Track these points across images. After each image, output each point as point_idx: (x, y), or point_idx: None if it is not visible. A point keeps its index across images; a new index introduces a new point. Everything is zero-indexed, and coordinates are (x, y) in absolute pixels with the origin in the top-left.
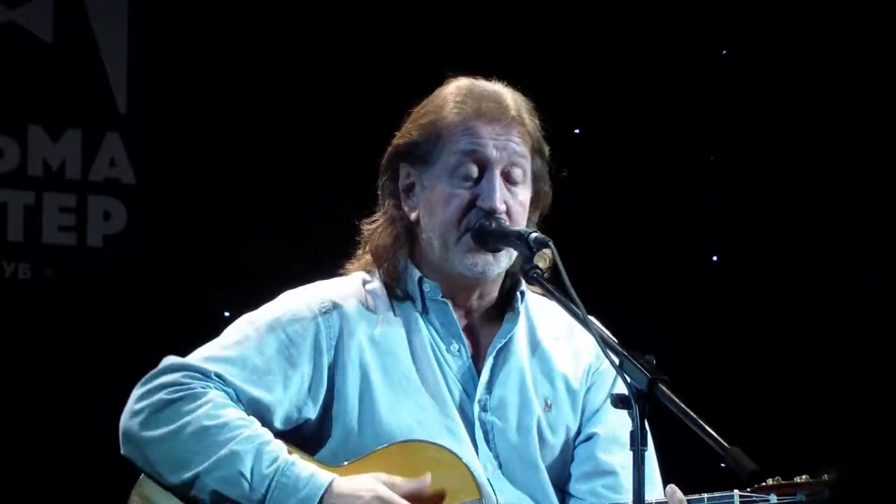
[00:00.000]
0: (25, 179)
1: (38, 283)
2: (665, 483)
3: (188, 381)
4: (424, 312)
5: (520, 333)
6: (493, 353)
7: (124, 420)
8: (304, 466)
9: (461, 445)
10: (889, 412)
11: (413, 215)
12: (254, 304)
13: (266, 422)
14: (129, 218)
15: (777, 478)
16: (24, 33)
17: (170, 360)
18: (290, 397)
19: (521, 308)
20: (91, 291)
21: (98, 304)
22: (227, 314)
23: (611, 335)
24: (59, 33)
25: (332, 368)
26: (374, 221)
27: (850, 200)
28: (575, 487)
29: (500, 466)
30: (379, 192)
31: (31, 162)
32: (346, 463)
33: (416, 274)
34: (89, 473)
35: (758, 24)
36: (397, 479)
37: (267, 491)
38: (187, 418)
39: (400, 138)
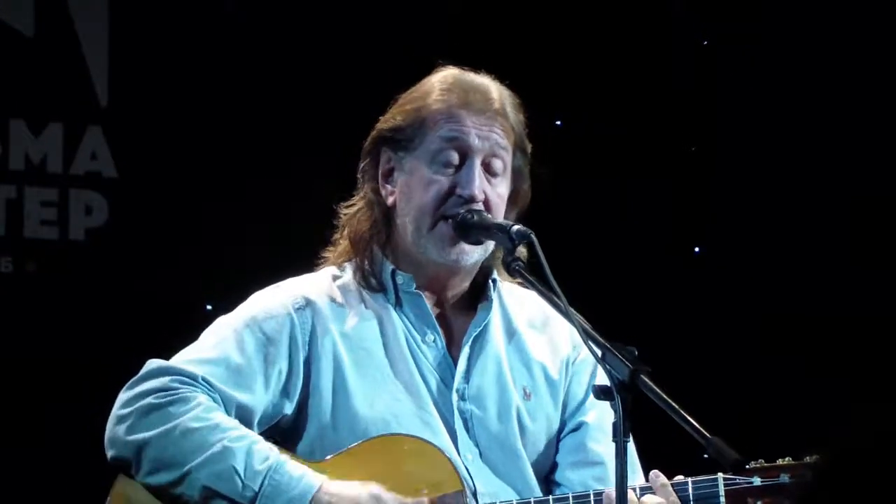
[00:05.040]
0: (7, 173)
1: (20, 277)
2: (646, 470)
3: (176, 385)
4: (398, 304)
5: (495, 322)
6: (469, 342)
7: (110, 426)
8: (295, 466)
9: (438, 437)
10: (876, 397)
11: (390, 200)
12: (236, 296)
13: (248, 423)
14: (111, 212)
15: (760, 461)
16: (4, 27)
17: (154, 363)
18: (269, 395)
19: (494, 296)
20: (73, 285)
21: (80, 298)
22: (209, 307)
23: (591, 327)
24: (40, 27)
25: (307, 364)
26: (351, 205)
27: (833, 190)
28: (563, 476)
29: (481, 455)
30: (359, 176)
31: (12, 156)
32: (327, 458)
33: (389, 267)
34: (71, 469)
35: (750, 16)
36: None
37: (259, 488)
38: (176, 421)
39: (383, 123)
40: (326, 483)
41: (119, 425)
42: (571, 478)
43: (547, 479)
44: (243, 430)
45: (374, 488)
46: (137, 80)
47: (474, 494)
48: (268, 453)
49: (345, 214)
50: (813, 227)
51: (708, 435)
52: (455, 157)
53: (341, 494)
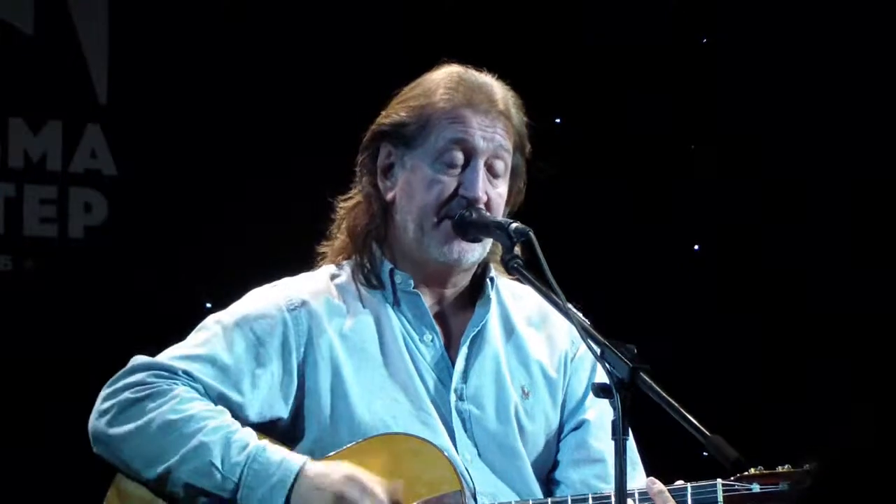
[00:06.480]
0: (6, 171)
1: (19, 275)
2: (647, 469)
3: (154, 379)
4: (395, 303)
5: (493, 320)
6: (467, 342)
7: (92, 420)
8: (274, 451)
9: (437, 437)
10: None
11: (389, 195)
12: (235, 295)
13: (238, 419)
14: (111, 209)
15: (759, 467)
16: (4, 25)
17: (137, 359)
18: (259, 396)
19: (493, 294)
20: (72, 283)
21: (79, 296)
22: (208, 305)
23: (590, 325)
24: (39, 25)
25: (302, 366)
26: (349, 199)
27: (834, 189)
28: (565, 475)
29: (479, 455)
30: (357, 170)
31: (11, 154)
32: (330, 455)
33: (388, 265)
34: (69, 468)
35: (750, 15)
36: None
37: (239, 479)
38: (152, 414)
39: (385, 118)
40: (307, 465)
41: (100, 419)
42: (573, 476)
43: (548, 478)
44: (220, 418)
45: (351, 470)
46: (137, 77)
47: (473, 494)
48: (246, 441)
49: (342, 208)
50: (813, 226)
51: (707, 433)
52: (459, 158)
53: (321, 477)
